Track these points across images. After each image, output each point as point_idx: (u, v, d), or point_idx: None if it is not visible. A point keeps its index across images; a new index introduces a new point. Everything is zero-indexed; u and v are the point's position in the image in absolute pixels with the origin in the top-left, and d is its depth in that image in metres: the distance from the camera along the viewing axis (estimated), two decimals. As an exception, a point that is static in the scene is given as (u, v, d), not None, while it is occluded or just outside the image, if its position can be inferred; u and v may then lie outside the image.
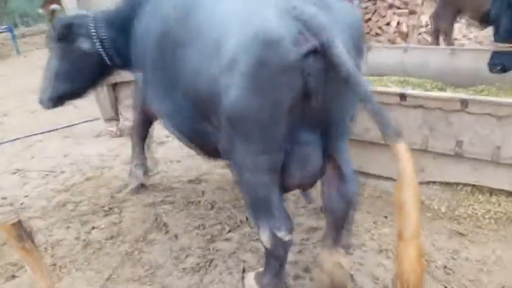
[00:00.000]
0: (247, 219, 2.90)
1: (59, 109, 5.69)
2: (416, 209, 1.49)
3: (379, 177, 3.15)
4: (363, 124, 3.01)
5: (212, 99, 1.81)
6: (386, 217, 2.82)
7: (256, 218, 2.00)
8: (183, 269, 2.46)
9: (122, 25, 2.72)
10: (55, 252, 2.69)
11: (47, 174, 3.92)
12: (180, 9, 2.01)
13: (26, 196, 3.53)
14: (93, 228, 2.96)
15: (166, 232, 2.84)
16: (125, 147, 4.39)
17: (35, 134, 4.76)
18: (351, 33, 1.68)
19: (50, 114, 5.59)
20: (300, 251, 2.52)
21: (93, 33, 2.75)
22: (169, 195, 3.33)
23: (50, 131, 4.84)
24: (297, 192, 3.18)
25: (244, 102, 1.66)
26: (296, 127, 1.78)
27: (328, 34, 1.51)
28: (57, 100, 2.90)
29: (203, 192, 3.33)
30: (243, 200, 2.32)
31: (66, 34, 2.74)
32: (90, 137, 4.88)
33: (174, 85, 2.13)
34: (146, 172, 3.45)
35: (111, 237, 2.82)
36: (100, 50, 2.76)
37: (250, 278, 2.28)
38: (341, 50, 1.50)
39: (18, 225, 1.66)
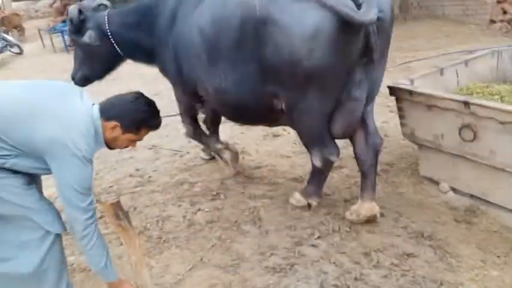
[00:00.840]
0: (339, 229, 2.83)
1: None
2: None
3: (502, 208, 2.71)
4: (488, 146, 2.61)
5: (291, 64, 2.36)
6: (499, 257, 2.43)
7: (312, 147, 2.77)
8: (265, 267, 2.55)
9: (139, 21, 3.14)
10: (164, 226, 3.06)
11: (175, 153, 4.42)
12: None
13: (154, 170, 4.05)
14: (199, 210, 3.25)
15: (259, 226, 2.96)
16: (245, 135, 4.66)
17: (170, 116, 5.32)
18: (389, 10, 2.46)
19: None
20: (385, 276, 2.36)
21: (106, 28, 3.15)
22: (271, 190, 3.44)
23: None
24: (396, 209, 2.98)
25: (327, 59, 2.30)
26: (356, 84, 2.48)
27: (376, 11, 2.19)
28: (83, 80, 3.44)
29: (303, 193, 3.35)
30: (300, 137, 2.90)
31: (78, 28, 3.20)
32: (217, 122, 5.29)
33: (248, 60, 2.56)
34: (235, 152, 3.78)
35: (211, 222, 3.07)
36: (112, 42, 3.17)
37: (296, 195, 3.17)
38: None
39: (117, 205, 1.94)
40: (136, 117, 1.98)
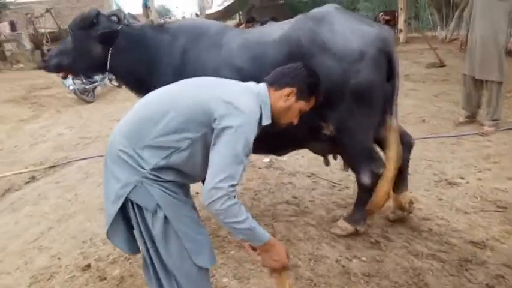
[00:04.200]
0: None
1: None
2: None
3: None
4: None
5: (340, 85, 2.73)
6: None
7: (360, 165, 3.00)
8: None
9: (141, 51, 3.15)
10: (315, 267, 2.89)
11: (333, 186, 4.24)
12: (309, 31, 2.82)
13: (311, 201, 3.93)
14: (355, 256, 2.98)
15: (425, 295, 2.54)
16: (413, 177, 4.18)
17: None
18: None
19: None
20: None
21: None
22: (442, 251, 2.94)
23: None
24: None
25: (372, 77, 2.72)
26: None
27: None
28: (56, 67, 3.38)
29: (483, 263, 2.76)
30: (349, 156, 3.13)
31: (87, 26, 3.16)
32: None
33: None
34: None
35: (368, 275, 2.77)
36: (108, 55, 3.17)
37: (340, 222, 3.26)
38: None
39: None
40: (310, 81, 2.00)
